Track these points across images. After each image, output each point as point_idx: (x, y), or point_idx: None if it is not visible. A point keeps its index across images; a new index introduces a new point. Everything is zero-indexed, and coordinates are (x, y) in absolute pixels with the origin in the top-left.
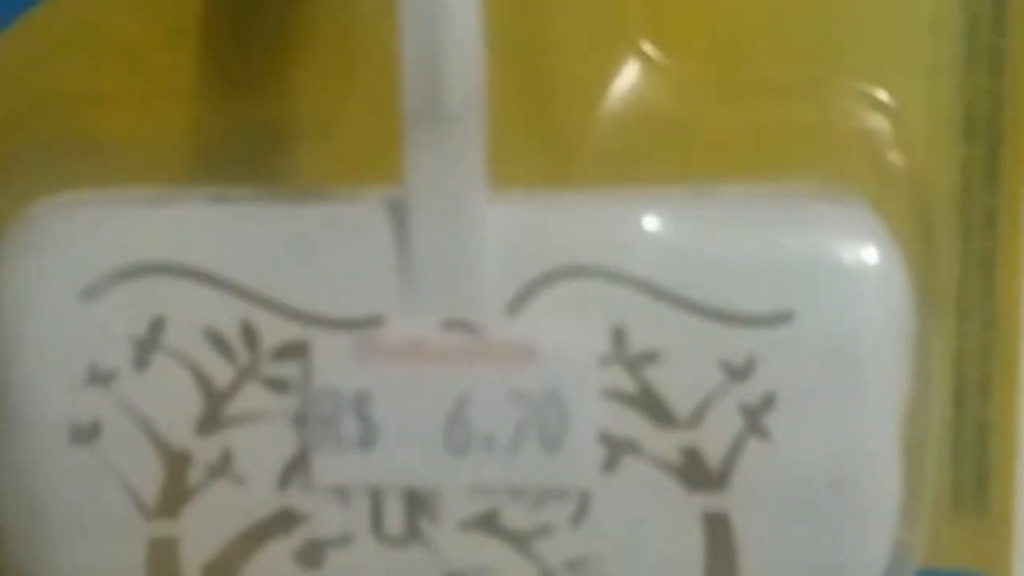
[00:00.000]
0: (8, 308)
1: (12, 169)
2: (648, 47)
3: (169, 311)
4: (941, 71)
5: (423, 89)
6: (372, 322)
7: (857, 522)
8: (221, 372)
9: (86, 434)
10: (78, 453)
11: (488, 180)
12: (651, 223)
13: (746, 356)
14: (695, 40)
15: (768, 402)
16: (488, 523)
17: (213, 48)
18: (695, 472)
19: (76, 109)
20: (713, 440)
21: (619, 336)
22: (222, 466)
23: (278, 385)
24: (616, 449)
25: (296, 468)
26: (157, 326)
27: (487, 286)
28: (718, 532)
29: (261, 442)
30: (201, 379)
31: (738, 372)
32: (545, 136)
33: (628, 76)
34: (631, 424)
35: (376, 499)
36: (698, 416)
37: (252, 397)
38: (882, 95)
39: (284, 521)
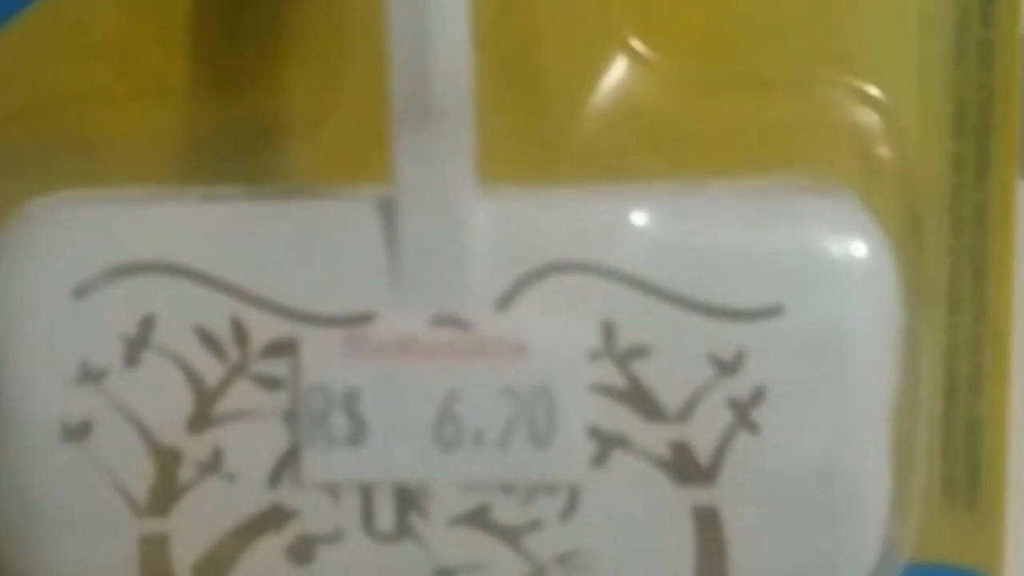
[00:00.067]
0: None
1: (4, 169)
2: (636, 43)
3: (160, 309)
4: (930, 65)
5: (411, 87)
6: (362, 319)
7: (847, 516)
8: (211, 370)
9: (77, 432)
10: (69, 451)
11: (477, 176)
12: (639, 218)
13: (735, 350)
14: (683, 36)
15: (757, 396)
16: (478, 518)
17: (204, 46)
18: (685, 466)
19: (67, 108)
20: (703, 434)
21: (608, 331)
22: (213, 463)
23: (268, 383)
24: (606, 444)
25: (286, 465)
26: (148, 324)
27: (476, 282)
28: (708, 526)
29: (251, 439)
30: (191, 377)
31: (727, 366)
32: (533, 132)
33: (616, 72)
34: (621, 419)
35: (366, 495)
36: (687, 410)
37: (242, 395)
38: (871, 89)
39: (275, 518)
